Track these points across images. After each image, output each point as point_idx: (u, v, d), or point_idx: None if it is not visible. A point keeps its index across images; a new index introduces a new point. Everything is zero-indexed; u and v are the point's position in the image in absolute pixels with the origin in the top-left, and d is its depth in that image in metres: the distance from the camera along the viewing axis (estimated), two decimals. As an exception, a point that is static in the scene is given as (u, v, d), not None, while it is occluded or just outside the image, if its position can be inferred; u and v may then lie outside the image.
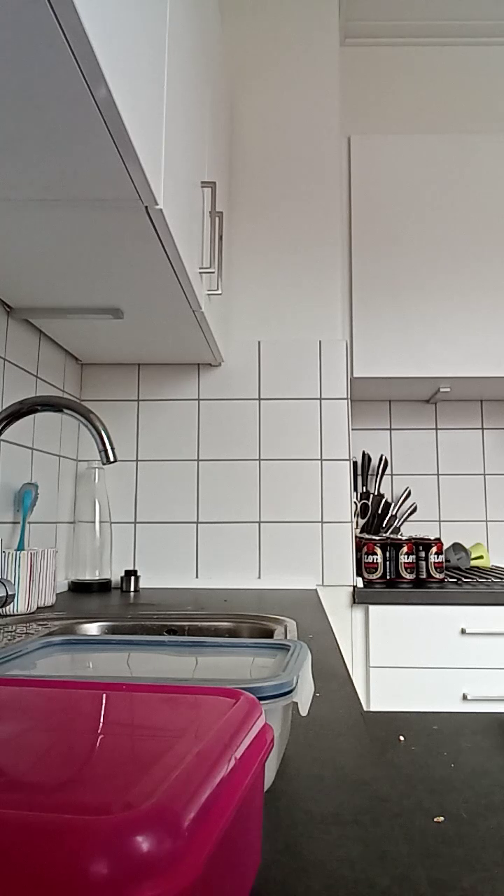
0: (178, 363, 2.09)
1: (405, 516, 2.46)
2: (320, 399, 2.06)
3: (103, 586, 1.90)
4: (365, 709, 1.03)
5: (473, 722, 0.68)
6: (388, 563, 1.98)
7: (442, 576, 1.99)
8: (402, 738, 0.64)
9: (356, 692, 0.81)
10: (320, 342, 2.10)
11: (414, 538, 2.02)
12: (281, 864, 0.41)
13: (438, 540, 2.01)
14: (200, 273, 1.52)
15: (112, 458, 1.21)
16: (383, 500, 2.39)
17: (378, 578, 1.98)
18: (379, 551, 1.98)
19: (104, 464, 1.22)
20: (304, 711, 0.53)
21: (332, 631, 1.25)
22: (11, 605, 1.44)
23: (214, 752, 0.33)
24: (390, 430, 2.59)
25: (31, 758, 0.33)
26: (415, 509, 2.48)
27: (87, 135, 0.89)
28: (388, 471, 2.56)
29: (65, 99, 0.82)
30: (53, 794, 0.29)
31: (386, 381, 2.26)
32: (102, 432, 1.20)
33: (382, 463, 2.54)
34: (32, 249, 1.25)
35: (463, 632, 1.85)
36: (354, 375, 2.20)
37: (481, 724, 0.68)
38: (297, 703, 0.53)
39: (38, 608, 1.52)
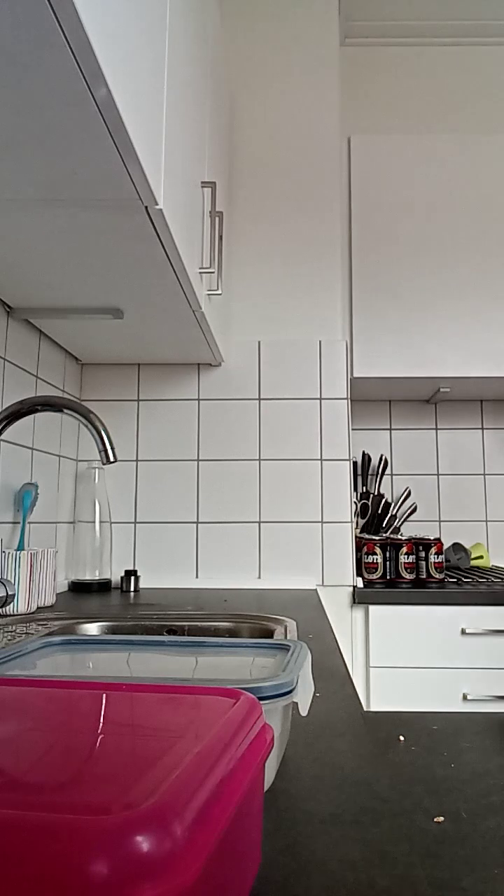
0: (178, 363, 2.09)
1: (405, 516, 2.46)
2: (320, 399, 2.06)
3: (103, 586, 1.90)
4: (365, 709, 1.03)
5: (473, 722, 0.68)
6: (388, 563, 1.98)
7: (442, 576, 1.99)
8: (402, 738, 0.64)
9: (356, 692, 0.81)
10: (320, 342, 2.10)
11: (414, 538, 2.02)
12: (281, 864, 0.41)
13: (438, 540, 2.01)
14: (200, 273, 1.52)
15: (112, 458, 1.21)
16: (383, 500, 2.39)
17: (378, 578, 1.98)
18: (379, 551, 1.98)
19: (104, 464, 1.22)
20: (304, 711, 0.53)
21: (332, 631, 1.25)
22: (11, 605, 1.44)
23: (214, 752, 0.33)
24: (390, 430, 2.59)
25: (31, 758, 0.33)
26: (415, 509, 2.48)
27: (87, 135, 0.89)
28: (388, 471, 2.56)
29: (65, 99, 0.82)
30: (53, 794, 0.29)
31: (386, 381, 2.26)
32: (102, 432, 1.20)
33: (382, 463, 2.54)
34: (32, 250, 1.25)
35: (463, 632, 1.85)
36: (354, 375, 2.20)
37: (481, 724, 0.68)
38: (297, 703, 0.53)
39: (38, 608, 1.52)
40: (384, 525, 2.39)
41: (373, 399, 2.58)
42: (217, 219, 1.70)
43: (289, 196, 2.18)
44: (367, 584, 1.97)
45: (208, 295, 1.65)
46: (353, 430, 2.59)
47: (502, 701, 1.81)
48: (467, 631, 1.85)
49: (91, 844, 0.24)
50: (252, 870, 0.38)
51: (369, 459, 2.56)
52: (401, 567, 1.98)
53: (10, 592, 1.08)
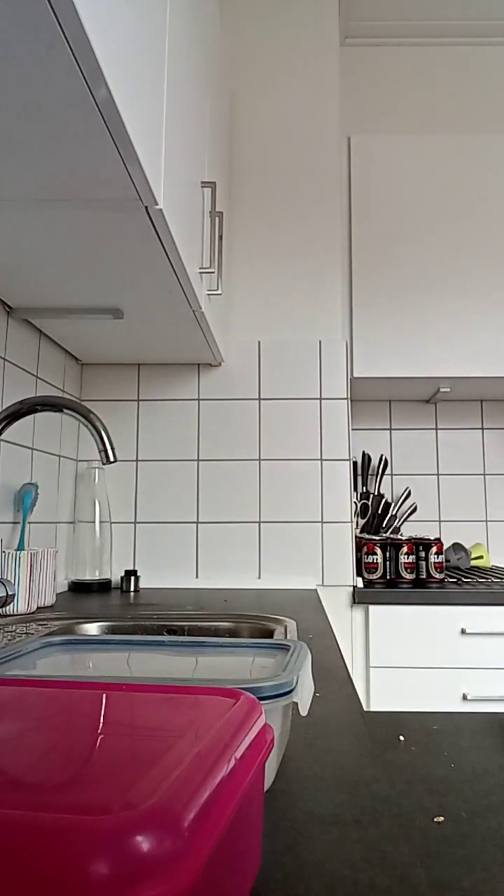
0: (178, 363, 2.09)
1: (405, 516, 2.46)
2: (320, 399, 2.06)
3: (103, 586, 1.90)
4: (365, 709, 1.03)
5: (473, 722, 0.68)
6: (388, 563, 1.98)
7: (442, 576, 1.99)
8: (402, 738, 0.64)
9: (356, 692, 0.81)
10: (320, 342, 2.10)
11: (414, 538, 2.02)
12: (281, 864, 0.41)
13: (438, 540, 2.00)
14: (200, 273, 1.52)
15: (112, 458, 1.21)
16: (383, 500, 2.39)
17: (378, 578, 1.98)
18: (379, 551, 1.98)
19: (104, 464, 1.22)
20: (304, 711, 0.53)
21: (332, 631, 1.25)
22: (11, 605, 1.44)
23: (214, 752, 0.33)
24: (390, 430, 2.59)
25: (31, 758, 0.33)
26: (415, 509, 2.48)
27: (87, 135, 0.89)
28: (388, 471, 2.56)
29: (65, 99, 0.82)
30: (54, 794, 0.29)
31: (386, 381, 2.26)
32: (102, 432, 1.20)
33: (382, 463, 2.54)
34: (32, 249, 1.25)
35: (463, 632, 1.85)
36: (354, 375, 2.20)
37: (481, 724, 0.68)
38: (297, 703, 0.53)
39: (38, 608, 1.52)
40: (384, 525, 2.39)
41: (373, 399, 2.58)
42: (217, 219, 1.70)
43: (289, 196, 2.18)
44: (367, 584, 1.97)
45: (208, 295, 1.65)
46: (353, 430, 2.59)
47: (502, 701, 1.81)
48: (467, 631, 1.85)
49: (91, 844, 0.24)
50: (252, 870, 0.38)
51: (369, 459, 2.56)
52: (401, 567, 1.98)
53: (10, 592, 1.08)
